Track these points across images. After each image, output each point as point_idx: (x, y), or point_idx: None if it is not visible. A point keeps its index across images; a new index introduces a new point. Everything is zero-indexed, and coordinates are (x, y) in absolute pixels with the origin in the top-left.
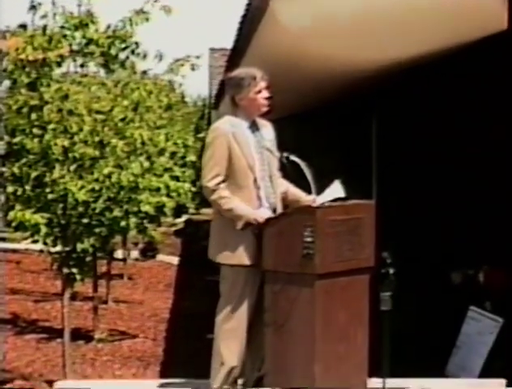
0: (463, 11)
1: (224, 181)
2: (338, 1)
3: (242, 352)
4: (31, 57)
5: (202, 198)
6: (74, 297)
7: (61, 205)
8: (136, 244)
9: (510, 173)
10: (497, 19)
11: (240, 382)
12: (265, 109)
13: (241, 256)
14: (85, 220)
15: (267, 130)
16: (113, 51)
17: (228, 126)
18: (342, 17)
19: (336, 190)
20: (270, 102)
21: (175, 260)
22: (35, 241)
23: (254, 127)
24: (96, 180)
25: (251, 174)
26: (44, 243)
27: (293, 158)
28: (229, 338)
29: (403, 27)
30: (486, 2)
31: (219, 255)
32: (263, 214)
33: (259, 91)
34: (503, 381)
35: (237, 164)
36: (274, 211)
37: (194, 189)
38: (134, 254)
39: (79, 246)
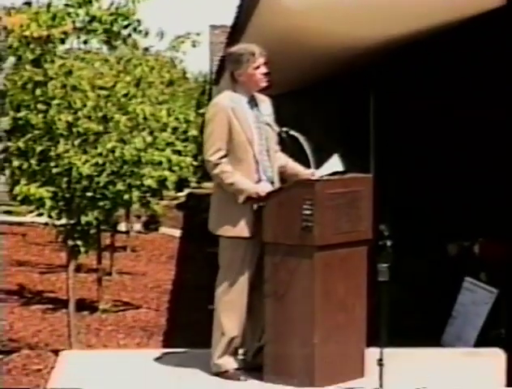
0: None
1: (225, 156)
2: None
3: (242, 322)
4: (35, 34)
5: (203, 172)
6: (78, 269)
7: (65, 179)
8: (139, 217)
9: (506, 150)
10: None
11: (240, 351)
12: (263, 85)
13: (240, 228)
14: (89, 194)
15: (266, 105)
16: (115, 28)
17: (227, 102)
18: None
19: (335, 163)
20: (268, 78)
21: (177, 233)
22: (40, 214)
23: (253, 102)
24: (100, 154)
25: (250, 149)
26: (49, 216)
27: (293, 133)
28: (229, 309)
29: (401, 3)
30: None
31: (218, 228)
32: (264, 188)
33: (258, 67)
34: (498, 350)
35: (237, 139)
36: (271, 184)
37: (195, 163)
38: (137, 226)
39: (84, 219)
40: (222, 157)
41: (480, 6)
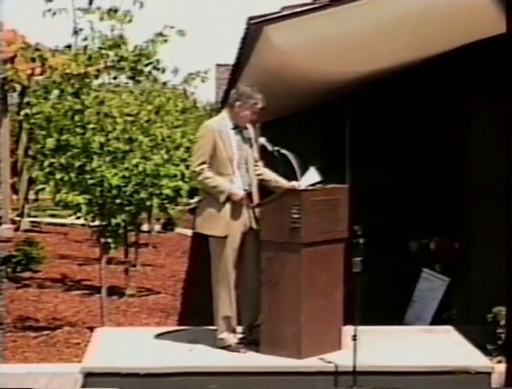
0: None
1: (208, 167)
2: (319, 27)
3: (233, 304)
4: (74, 72)
5: None
6: (109, 262)
7: (98, 189)
8: (158, 219)
9: (460, 165)
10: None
11: (239, 329)
12: (247, 125)
13: (215, 229)
14: (118, 201)
15: (248, 131)
16: (139, 66)
17: (215, 125)
18: (323, 38)
19: (312, 175)
20: (254, 120)
21: (189, 232)
22: (78, 218)
23: (238, 128)
24: (127, 169)
25: (230, 165)
26: (85, 219)
27: (283, 151)
28: (221, 294)
29: (375, 44)
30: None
31: (200, 228)
32: (238, 191)
33: (252, 111)
34: (449, 327)
35: (219, 156)
36: (250, 194)
37: None
38: (157, 227)
39: (113, 221)
40: (204, 168)
41: (478, 34)
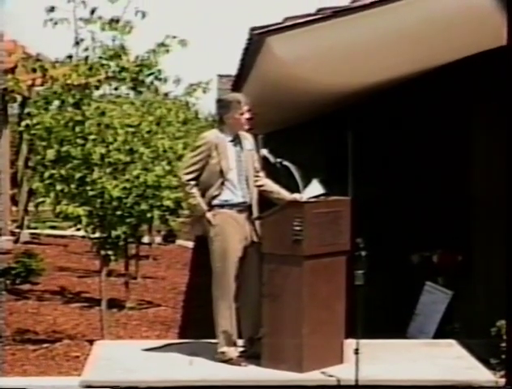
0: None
1: (195, 178)
2: (322, 38)
3: (233, 317)
4: (75, 82)
5: None
6: (109, 274)
7: (99, 200)
8: (159, 231)
9: (462, 178)
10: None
11: (240, 343)
12: (246, 128)
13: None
14: (118, 212)
15: (248, 141)
16: (140, 77)
17: (213, 137)
18: (325, 49)
19: (315, 187)
20: (251, 121)
21: (190, 244)
22: (78, 229)
23: (237, 140)
24: (127, 180)
25: (220, 178)
26: (86, 231)
27: (285, 163)
28: (221, 307)
29: (376, 55)
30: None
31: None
32: (210, 216)
33: (242, 113)
34: (452, 341)
35: (211, 169)
36: (249, 206)
37: None
38: (158, 239)
39: (114, 233)
40: (191, 179)
41: (477, 46)
